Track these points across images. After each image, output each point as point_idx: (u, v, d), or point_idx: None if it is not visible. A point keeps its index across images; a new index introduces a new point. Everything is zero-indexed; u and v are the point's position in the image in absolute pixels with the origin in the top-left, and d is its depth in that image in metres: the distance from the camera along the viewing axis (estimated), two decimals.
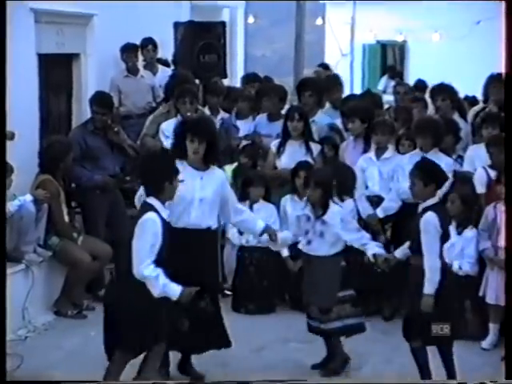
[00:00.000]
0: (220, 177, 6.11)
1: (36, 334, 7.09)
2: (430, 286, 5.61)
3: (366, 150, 7.92)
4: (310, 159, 7.88)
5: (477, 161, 7.66)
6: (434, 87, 9.12)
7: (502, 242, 6.80)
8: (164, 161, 5.57)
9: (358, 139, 8.05)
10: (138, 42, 9.93)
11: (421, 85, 10.56)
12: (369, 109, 8.24)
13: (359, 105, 8.34)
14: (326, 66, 13.28)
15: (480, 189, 7.35)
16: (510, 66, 4.85)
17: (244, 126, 8.85)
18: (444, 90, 8.72)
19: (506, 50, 4.59)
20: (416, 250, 5.72)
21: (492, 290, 6.91)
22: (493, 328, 6.94)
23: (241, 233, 7.88)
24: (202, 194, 5.94)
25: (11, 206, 6.94)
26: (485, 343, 6.87)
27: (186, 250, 5.82)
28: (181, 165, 5.77)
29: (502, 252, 6.78)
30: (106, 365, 5.91)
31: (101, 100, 7.98)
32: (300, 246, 6.44)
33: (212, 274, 6.12)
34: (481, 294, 6.97)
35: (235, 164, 8.37)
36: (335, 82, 9.63)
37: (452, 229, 7.11)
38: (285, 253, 7.68)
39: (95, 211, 7.88)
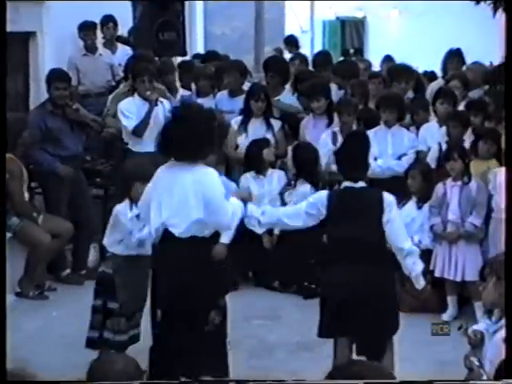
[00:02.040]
0: None
1: None
2: None
3: (328, 127, 7.96)
4: (270, 136, 7.91)
5: (428, 138, 7.74)
6: (393, 67, 9.13)
7: (450, 217, 6.97)
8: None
9: (318, 116, 8.07)
10: (95, 20, 9.82)
11: (389, 61, 10.59)
12: (327, 86, 8.29)
13: (321, 82, 8.36)
14: (293, 40, 13.28)
15: (432, 165, 7.45)
16: (510, 63, 4.92)
17: (205, 104, 8.81)
18: (404, 72, 8.67)
19: (506, 50, 4.62)
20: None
21: (440, 264, 7.03)
22: (450, 300, 7.05)
23: None
24: None
25: None
26: (445, 315, 6.97)
27: None
28: None
29: (451, 226, 6.96)
30: (68, 345, 5.90)
31: (58, 75, 7.88)
32: None
33: None
34: (431, 267, 7.07)
35: None
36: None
37: (412, 204, 7.21)
38: (259, 230, 7.69)
39: (57, 192, 7.80)
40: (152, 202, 5.21)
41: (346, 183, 5.30)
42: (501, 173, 6.64)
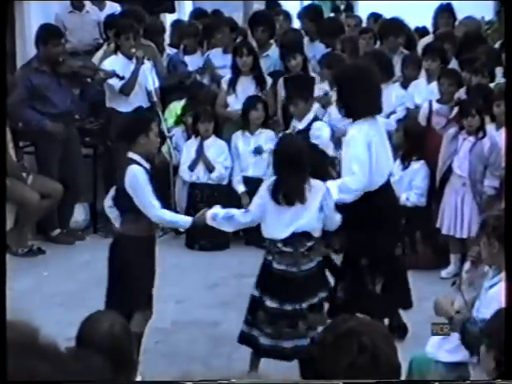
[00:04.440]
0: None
1: None
2: None
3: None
4: (260, 94, 7.85)
5: (416, 95, 7.70)
6: (384, 22, 9.05)
7: (456, 170, 6.91)
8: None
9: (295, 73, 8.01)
10: None
11: (374, 17, 10.49)
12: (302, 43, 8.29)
13: (298, 39, 8.33)
14: None
15: (422, 121, 7.42)
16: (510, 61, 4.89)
17: (192, 62, 8.74)
18: (394, 27, 8.60)
19: (507, 49, 4.58)
20: None
21: (448, 222, 7.01)
22: (453, 258, 7.05)
23: (191, 169, 7.85)
24: None
25: None
26: (444, 272, 6.97)
27: None
28: None
29: (455, 178, 6.92)
30: (59, 305, 5.90)
31: (53, 31, 7.77)
32: None
33: None
34: (438, 225, 7.05)
35: (183, 100, 8.28)
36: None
37: (398, 161, 7.20)
38: (241, 188, 7.68)
39: (48, 150, 7.73)
40: None
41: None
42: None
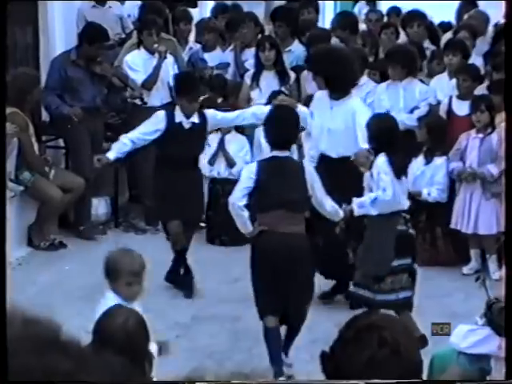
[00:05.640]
0: (352, 107, 6.16)
1: (10, 269, 7.06)
2: None
3: None
4: (284, 89, 7.83)
5: (438, 90, 7.66)
6: (405, 14, 9.06)
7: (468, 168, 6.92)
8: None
9: None
10: None
11: (395, 12, 10.46)
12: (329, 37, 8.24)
13: (324, 33, 8.30)
14: None
15: (444, 117, 7.40)
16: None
17: (212, 58, 8.73)
18: (415, 17, 8.64)
19: (506, 50, 4.56)
20: None
21: (455, 216, 6.98)
22: (473, 254, 7.01)
23: (211, 163, 7.85)
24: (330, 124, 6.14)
25: None
26: (465, 269, 6.93)
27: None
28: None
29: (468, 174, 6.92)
30: (81, 298, 5.93)
31: (101, 33, 7.80)
32: None
33: None
34: (452, 225, 7.02)
35: (202, 98, 8.24)
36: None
37: (421, 157, 7.17)
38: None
39: (78, 142, 7.77)
40: None
41: (273, 152, 5.39)
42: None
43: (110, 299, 3.99)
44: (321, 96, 6.34)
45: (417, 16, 8.62)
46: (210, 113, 6.40)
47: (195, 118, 6.34)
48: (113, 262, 4.10)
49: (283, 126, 5.40)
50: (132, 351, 3.06)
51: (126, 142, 6.21)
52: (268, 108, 5.98)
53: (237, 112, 6.45)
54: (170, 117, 6.29)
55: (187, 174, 6.35)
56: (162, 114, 6.31)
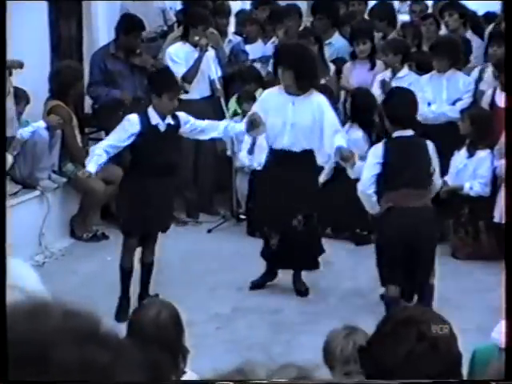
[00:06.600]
0: (318, 102, 6.16)
1: (53, 259, 7.16)
2: None
3: (371, 70, 7.88)
4: (324, 81, 7.81)
5: (482, 81, 7.58)
6: (442, 4, 8.98)
7: None
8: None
9: (361, 59, 7.97)
10: None
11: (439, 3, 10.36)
12: (373, 28, 8.20)
13: (368, 25, 8.26)
14: None
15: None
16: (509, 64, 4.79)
17: (253, 50, 8.72)
18: (451, 6, 8.55)
19: (506, 51, 4.50)
20: None
21: (498, 209, 6.90)
22: None
23: (250, 153, 7.79)
24: (293, 119, 6.11)
25: (24, 133, 6.92)
26: None
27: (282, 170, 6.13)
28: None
29: None
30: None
31: (136, 22, 7.86)
32: None
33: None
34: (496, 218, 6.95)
35: (235, 96, 8.21)
36: None
37: (464, 149, 7.09)
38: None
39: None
40: None
41: (397, 132, 5.50)
42: None
43: None
44: (273, 94, 6.31)
45: (452, 5, 8.54)
46: (182, 116, 5.92)
47: (170, 120, 5.84)
48: None
49: (405, 105, 5.59)
50: (163, 344, 3.06)
51: (100, 153, 5.79)
52: (241, 125, 6.02)
53: (207, 122, 6.05)
54: (145, 119, 5.78)
55: (162, 181, 5.85)
56: (134, 117, 5.80)
